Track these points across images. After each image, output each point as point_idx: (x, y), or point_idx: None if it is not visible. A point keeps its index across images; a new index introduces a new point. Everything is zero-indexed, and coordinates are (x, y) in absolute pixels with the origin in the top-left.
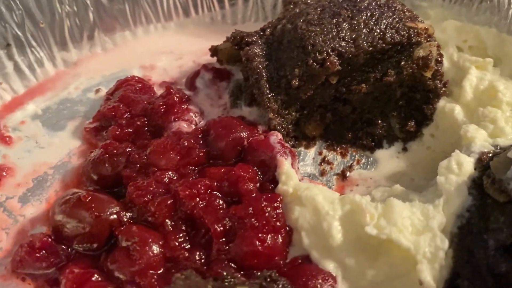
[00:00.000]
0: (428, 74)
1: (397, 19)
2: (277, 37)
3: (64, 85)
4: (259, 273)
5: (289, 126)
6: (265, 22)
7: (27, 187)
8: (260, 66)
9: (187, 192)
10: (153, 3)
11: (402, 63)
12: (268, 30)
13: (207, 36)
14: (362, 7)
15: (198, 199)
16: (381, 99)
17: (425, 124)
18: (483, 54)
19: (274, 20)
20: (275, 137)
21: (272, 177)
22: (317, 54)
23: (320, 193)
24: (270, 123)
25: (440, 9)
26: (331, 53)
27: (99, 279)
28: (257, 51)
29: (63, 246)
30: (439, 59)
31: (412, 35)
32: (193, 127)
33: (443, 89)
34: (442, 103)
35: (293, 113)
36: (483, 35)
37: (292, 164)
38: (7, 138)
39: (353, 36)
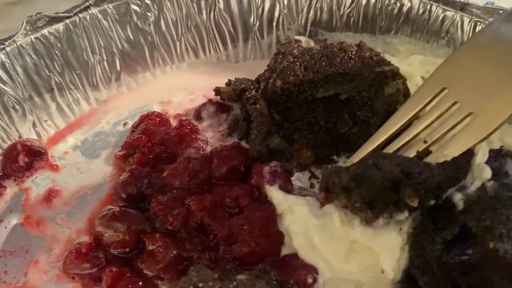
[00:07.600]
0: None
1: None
2: (270, 92)
3: (97, 120)
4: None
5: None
6: (262, 60)
7: (72, 205)
8: (261, 107)
9: (197, 206)
10: (167, 47)
11: (375, 105)
12: (263, 83)
13: (215, 74)
14: (336, 63)
15: (205, 211)
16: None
17: None
18: None
19: (266, 71)
20: (269, 167)
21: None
22: None
23: (307, 205)
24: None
25: (408, 45)
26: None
27: (132, 275)
28: (257, 95)
29: (102, 251)
30: (407, 92)
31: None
32: (201, 153)
33: None
34: None
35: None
36: None
37: (284, 185)
38: (55, 166)
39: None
